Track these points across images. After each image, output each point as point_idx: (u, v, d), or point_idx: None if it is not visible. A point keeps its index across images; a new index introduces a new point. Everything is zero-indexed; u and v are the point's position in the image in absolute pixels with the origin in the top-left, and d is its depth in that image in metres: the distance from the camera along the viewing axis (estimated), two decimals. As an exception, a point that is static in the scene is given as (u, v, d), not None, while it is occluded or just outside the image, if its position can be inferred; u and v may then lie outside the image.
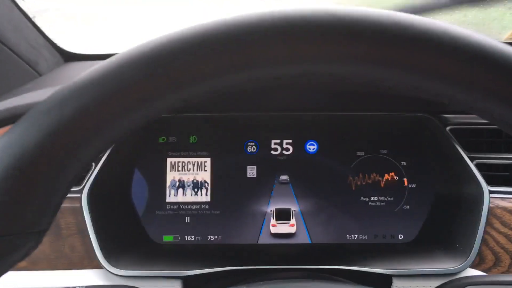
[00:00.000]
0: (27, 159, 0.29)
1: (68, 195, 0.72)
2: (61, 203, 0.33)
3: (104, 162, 0.76)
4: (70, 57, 1.31)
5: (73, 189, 0.74)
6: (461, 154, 0.76)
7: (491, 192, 0.73)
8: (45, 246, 0.74)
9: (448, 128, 0.78)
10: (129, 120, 0.32)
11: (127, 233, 0.80)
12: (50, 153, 0.29)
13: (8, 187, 0.28)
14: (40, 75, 1.17)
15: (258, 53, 0.30)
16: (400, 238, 0.82)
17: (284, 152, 0.85)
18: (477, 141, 0.78)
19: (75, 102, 0.30)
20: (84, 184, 0.73)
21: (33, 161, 0.29)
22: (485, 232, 0.71)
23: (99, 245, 0.71)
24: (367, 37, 0.29)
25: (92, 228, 0.71)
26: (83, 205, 0.72)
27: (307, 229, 0.81)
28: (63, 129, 0.29)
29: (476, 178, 0.74)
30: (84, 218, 0.72)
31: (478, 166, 0.75)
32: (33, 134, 0.29)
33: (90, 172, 0.75)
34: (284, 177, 0.84)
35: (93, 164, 0.76)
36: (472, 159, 0.75)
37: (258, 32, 0.30)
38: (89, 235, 0.71)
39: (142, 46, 0.31)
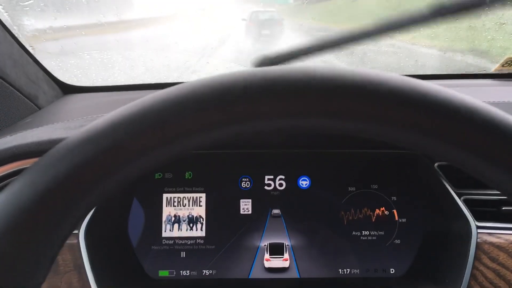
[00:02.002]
0: (23, 217, 0.30)
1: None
2: (56, 256, 0.35)
3: (101, 198, 0.77)
4: (68, 90, 1.34)
5: (71, 226, 0.75)
6: (449, 190, 0.78)
7: (478, 227, 0.75)
8: (42, 282, 0.75)
9: (436, 164, 0.80)
10: (124, 175, 0.34)
11: (123, 268, 0.81)
12: (45, 211, 0.31)
13: (4, 244, 0.30)
14: (39, 108, 1.19)
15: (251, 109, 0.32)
16: (391, 272, 0.83)
17: (278, 187, 0.87)
18: (464, 177, 0.80)
19: (69, 160, 0.32)
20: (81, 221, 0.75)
21: (29, 218, 0.30)
22: (474, 267, 0.73)
23: (96, 281, 0.72)
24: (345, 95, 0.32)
25: (88, 264, 0.73)
26: (80, 242, 0.73)
27: (296, 264, 0.83)
28: (57, 188, 0.31)
29: (464, 213, 0.76)
30: (81, 255, 0.73)
31: (466, 201, 0.77)
32: (29, 192, 0.31)
33: (88, 209, 0.76)
34: (276, 211, 0.86)
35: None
36: (459, 195, 0.78)
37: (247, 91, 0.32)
38: (85, 271, 0.73)
39: (140, 102, 0.33)
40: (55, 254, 0.34)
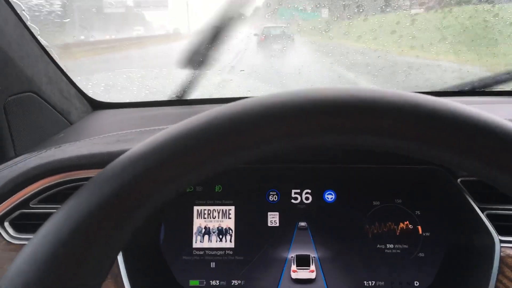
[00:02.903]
0: (89, 221, 0.34)
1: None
2: (116, 258, 0.38)
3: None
4: (97, 106, 1.39)
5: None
6: (472, 205, 0.80)
7: (502, 241, 0.76)
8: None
9: (459, 179, 0.83)
10: (177, 186, 0.37)
11: (156, 277, 0.84)
12: (109, 218, 0.35)
13: (73, 246, 0.33)
14: (71, 123, 1.24)
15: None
16: (416, 285, 0.85)
17: (304, 201, 0.90)
18: (487, 192, 0.82)
19: (132, 171, 0.35)
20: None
21: (94, 222, 0.34)
22: (498, 280, 0.75)
23: None
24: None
25: (125, 273, 0.76)
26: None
27: (323, 275, 0.85)
28: (120, 196, 0.35)
29: (487, 228, 0.78)
30: (118, 264, 0.77)
31: (489, 216, 0.79)
32: (94, 199, 0.35)
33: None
34: (302, 224, 0.89)
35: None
36: (483, 210, 0.80)
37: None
38: (122, 280, 0.76)
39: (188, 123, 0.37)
40: (115, 256, 0.38)
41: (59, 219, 0.34)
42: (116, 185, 0.35)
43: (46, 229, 0.34)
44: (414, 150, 0.37)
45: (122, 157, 0.37)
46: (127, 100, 1.46)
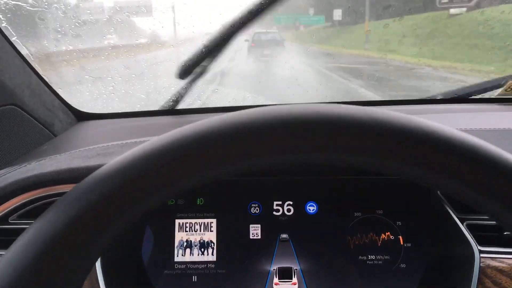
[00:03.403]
0: (64, 235, 0.34)
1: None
2: (85, 279, 0.38)
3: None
4: (82, 117, 1.38)
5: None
6: (452, 216, 0.80)
7: (481, 252, 0.77)
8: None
9: (439, 191, 0.83)
10: (153, 200, 0.38)
11: (137, 292, 0.84)
12: (83, 231, 0.35)
13: (40, 269, 0.33)
14: (55, 135, 1.23)
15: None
16: (397, 296, 0.85)
17: (286, 212, 0.90)
18: (466, 204, 0.82)
19: (107, 184, 0.36)
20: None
21: (69, 236, 0.34)
22: None
23: None
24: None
25: (104, 286, 0.76)
26: (96, 266, 0.76)
27: (306, 287, 0.85)
28: (92, 213, 0.35)
29: (467, 238, 0.78)
30: (98, 279, 0.76)
31: (468, 226, 0.80)
32: (59, 221, 0.35)
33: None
34: (284, 236, 0.89)
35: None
36: (462, 220, 0.80)
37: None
38: (101, 295, 0.76)
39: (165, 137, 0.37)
40: (90, 267, 0.38)
41: (34, 231, 0.35)
42: (91, 199, 0.35)
43: (22, 241, 0.34)
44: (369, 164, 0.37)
45: (98, 171, 0.37)
46: (113, 111, 1.46)
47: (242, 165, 0.37)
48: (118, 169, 0.36)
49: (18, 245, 0.34)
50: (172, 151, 0.36)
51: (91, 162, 0.81)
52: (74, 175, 0.79)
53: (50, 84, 1.25)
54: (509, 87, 1.34)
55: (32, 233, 0.35)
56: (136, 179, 0.36)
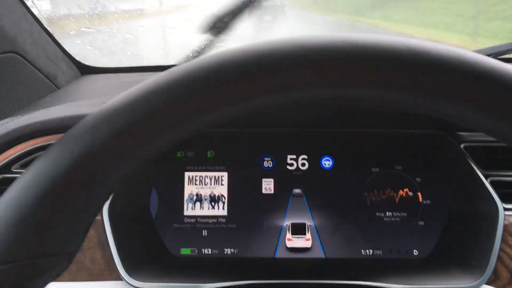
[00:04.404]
0: (58, 184, 0.30)
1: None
2: (90, 224, 0.34)
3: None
4: (86, 70, 1.34)
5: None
6: (475, 172, 0.76)
7: (505, 209, 0.74)
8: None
9: (462, 145, 0.79)
10: (157, 144, 0.33)
11: (146, 245, 0.81)
12: (79, 178, 0.31)
13: (41, 210, 0.30)
14: (58, 88, 1.19)
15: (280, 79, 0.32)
16: (415, 254, 0.82)
17: (300, 167, 0.86)
18: (491, 159, 0.79)
19: (108, 126, 0.31)
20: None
21: (63, 185, 0.30)
22: (500, 249, 0.72)
23: (120, 258, 0.73)
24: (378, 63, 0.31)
25: (113, 240, 0.73)
26: (104, 218, 0.74)
27: (321, 243, 0.82)
28: (92, 155, 0.31)
29: (491, 195, 0.74)
30: (105, 231, 0.73)
31: (492, 183, 0.76)
32: (63, 160, 0.30)
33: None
34: (297, 191, 0.85)
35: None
36: (486, 177, 0.76)
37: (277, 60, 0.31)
38: (109, 248, 0.73)
39: (172, 72, 0.32)
40: (89, 223, 0.34)
41: (24, 182, 0.30)
42: (85, 144, 0.31)
43: (11, 193, 0.30)
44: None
45: (91, 115, 0.32)
46: (118, 65, 1.41)
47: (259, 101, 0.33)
48: (126, 104, 0.32)
49: (17, 186, 0.30)
50: (175, 88, 0.31)
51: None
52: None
53: (52, 34, 1.20)
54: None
55: (31, 174, 0.31)
56: (146, 114, 0.31)
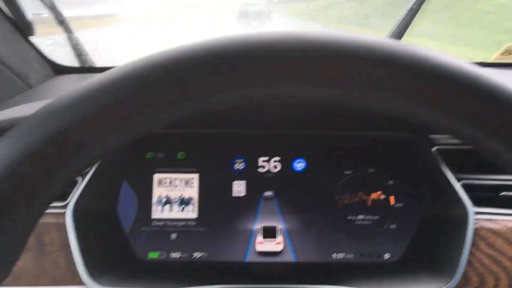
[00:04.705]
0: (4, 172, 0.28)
1: (52, 211, 0.71)
2: (30, 233, 0.32)
3: (90, 177, 0.75)
4: (60, 70, 1.31)
5: (58, 204, 0.73)
6: (447, 175, 0.76)
7: (476, 213, 0.73)
8: (28, 262, 0.73)
9: (434, 148, 0.79)
10: (100, 147, 0.31)
11: (111, 250, 0.79)
12: (15, 184, 0.28)
13: None
14: (30, 87, 1.16)
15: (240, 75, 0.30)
16: (386, 257, 0.82)
17: (272, 169, 0.85)
18: (464, 162, 0.78)
19: (42, 129, 0.29)
20: (69, 199, 0.73)
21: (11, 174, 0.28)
22: (471, 253, 0.72)
23: (83, 262, 0.70)
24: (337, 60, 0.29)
25: (76, 244, 0.71)
26: (67, 221, 0.71)
27: (292, 247, 0.81)
28: (27, 158, 0.29)
29: (462, 199, 0.74)
30: (68, 234, 0.71)
31: (464, 187, 0.76)
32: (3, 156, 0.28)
33: (76, 188, 0.74)
34: (268, 193, 0.84)
35: (80, 179, 0.75)
36: (458, 180, 0.76)
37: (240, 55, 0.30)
38: (72, 252, 0.71)
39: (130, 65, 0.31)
40: (29, 230, 0.32)
41: None
42: (21, 147, 0.28)
43: None
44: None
45: (28, 116, 0.30)
46: (93, 65, 1.38)
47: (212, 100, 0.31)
48: (64, 105, 0.30)
49: None
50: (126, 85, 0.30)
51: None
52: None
53: (25, 33, 1.17)
54: (506, 51, 1.29)
55: None
56: (84, 115, 0.29)
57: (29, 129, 0.29)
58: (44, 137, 0.29)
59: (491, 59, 1.32)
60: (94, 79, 0.30)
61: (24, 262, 0.72)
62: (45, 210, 0.32)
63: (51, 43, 1.33)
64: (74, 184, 0.75)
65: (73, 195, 0.73)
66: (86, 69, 1.34)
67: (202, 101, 0.31)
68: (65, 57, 1.36)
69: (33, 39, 1.19)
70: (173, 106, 0.31)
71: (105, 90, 0.30)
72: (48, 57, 1.27)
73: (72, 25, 1.27)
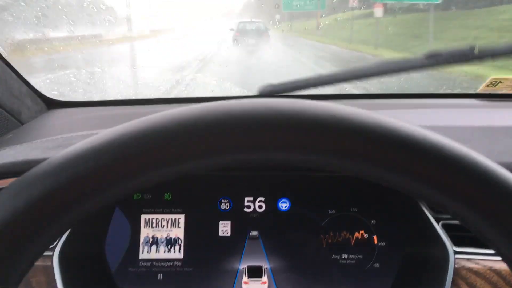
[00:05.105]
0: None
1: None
2: (31, 266, 0.34)
3: (77, 220, 0.76)
4: (53, 105, 1.33)
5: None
6: (427, 215, 0.78)
7: (456, 252, 0.74)
8: (15, 305, 0.73)
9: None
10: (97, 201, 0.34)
11: (99, 291, 0.80)
12: (24, 223, 0.31)
13: None
14: (22, 124, 1.18)
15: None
16: (370, 297, 0.83)
17: (257, 209, 0.86)
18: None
19: (42, 184, 0.32)
20: (55, 243, 0.74)
21: (8, 226, 0.31)
22: None
23: None
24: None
25: (62, 287, 0.72)
26: (54, 264, 0.72)
27: (276, 286, 0.82)
28: (37, 206, 0.31)
29: (442, 239, 0.75)
30: (55, 276, 0.72)
31: (444, 226, 0.77)
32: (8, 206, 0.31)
33: (63, 231, 0.75)
34: (253, 233, 0.85)
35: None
36: (438, 220, 0.77)
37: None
38: (58, 294, 0.72)
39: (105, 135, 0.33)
40: (30, 264, 0.34)
41: None
42: (25, 196, 0.31)
43: None
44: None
45: (39, 166, 0.33)
46: (85, 99, 1.41)
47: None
48: (61, 163, 0.33)
49: None
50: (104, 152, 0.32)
51: (50, 154, 0.77)
52: (31, 167, 0.74)
53: (16, 70, 1.20)
54: (490, 83, 1.32)
55: None
56: (80, 176, 0.32)
57: (18, 191, 0.32)
58: (31, 199, 0.31)
59: (477, 90, 1.35)
60: (72, 147, 0.33)
61: (11, 305, 0.73)
62: (33, 264, 0.34)
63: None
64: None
65: (60, 239, 0.74)
66: (79, 103, 1.36)
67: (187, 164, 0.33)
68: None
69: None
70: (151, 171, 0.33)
71: (83, 159, 0.32)
72: (41, 92, 1.29)
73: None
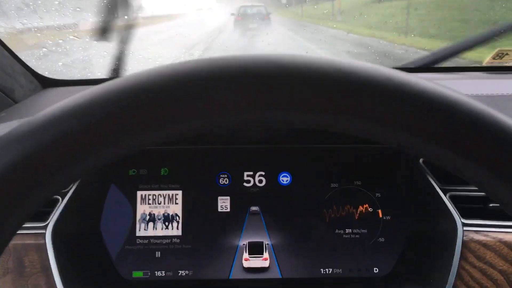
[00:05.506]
0: None
1: (32, 231, 0.70)
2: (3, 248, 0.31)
3: (71, 196, 0.74)
4: (48, 83, 1.30)
5: (38, 225, 0.72)
6: (434, 187, 0.75)
7: (464, 225, 0.72)
8: (8, 284, 0.71)
9: (421, 160, 0.77)
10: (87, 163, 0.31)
11: (94, 270, 0.77)
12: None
13: None
14: (16, 102, 1.15)
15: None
16: (375, 271, 0.80)
17: (257, 184, 0.83)
18: (450, 174, 0.77)
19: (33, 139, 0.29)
20: (49, 220, 0.72)
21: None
22: (460, 266, 0.70)
23: (63, 283, 0.69)
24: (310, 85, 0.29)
25: (55, 266, 0.69)
26: (47, 242, 0.70)
27: (277, 263, 0.80)
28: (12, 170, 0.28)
29: (450, 211, 0.73)
30: (48, 256, 0.70)
31: (452, 198, 0.74)
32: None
33: (56, 208, 0.73)
34: (254, 208, 0.82)
35: (59, 198, 0.74)
36: (445, 192, 0.74)
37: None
38: (53, 274, 0.69)
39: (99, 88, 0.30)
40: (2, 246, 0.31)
41: None
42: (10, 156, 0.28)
43: None
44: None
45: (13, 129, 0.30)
46: (82, 77, 1.37)
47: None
48: (40, 123, 0.29)
49: None
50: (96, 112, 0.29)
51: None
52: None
53: (8, 47, 1.16)
54: (496, 55, 1.28)
55: None
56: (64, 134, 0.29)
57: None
58: (15, 158, 0.28)
59: (483, 63, 1.31)
60: (63, 102, 0.30)
61: (4, 284, 0.71)
62: (16, 231, 0.31)
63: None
64: (54, 204, 0.73)
65: (53, 215, 0.72)
66: (75, 81, 1.33)
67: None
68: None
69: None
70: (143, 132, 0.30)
71: (72, 115, 0.29)
72: (35, 70, 1.26)
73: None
